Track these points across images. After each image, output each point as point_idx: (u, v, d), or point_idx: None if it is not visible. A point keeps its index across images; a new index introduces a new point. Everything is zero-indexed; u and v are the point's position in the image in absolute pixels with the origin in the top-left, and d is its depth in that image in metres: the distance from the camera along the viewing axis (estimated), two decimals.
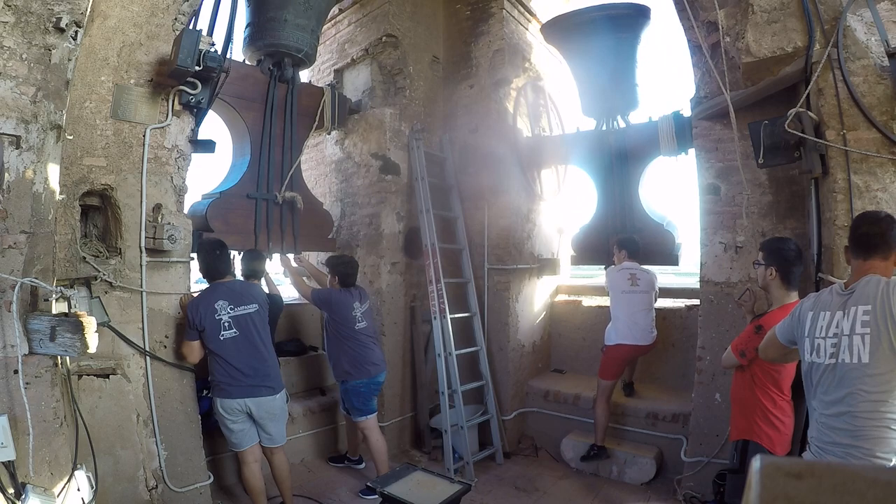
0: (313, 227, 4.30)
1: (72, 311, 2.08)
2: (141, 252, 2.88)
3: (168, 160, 3.02)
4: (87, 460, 2.36)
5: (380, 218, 4.44)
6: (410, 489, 2.67)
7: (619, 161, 4.62)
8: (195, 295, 3.06)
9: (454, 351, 4.16)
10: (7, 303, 1.98)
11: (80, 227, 2.76)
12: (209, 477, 3.09)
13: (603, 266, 4.53)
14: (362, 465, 4.06)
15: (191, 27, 3.05)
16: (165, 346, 3.00)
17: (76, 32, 2.19)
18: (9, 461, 1.90)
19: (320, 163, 5.20)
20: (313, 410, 4.20)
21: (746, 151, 3.01)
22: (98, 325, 2.11)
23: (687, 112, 3.91)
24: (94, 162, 2.72)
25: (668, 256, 4.35)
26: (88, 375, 2.60)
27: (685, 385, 4.10)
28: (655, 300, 4.13)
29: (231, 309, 2.98)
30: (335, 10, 4.72)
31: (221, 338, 2.93)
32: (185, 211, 3.21)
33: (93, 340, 2.00)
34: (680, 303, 4.64)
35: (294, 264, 4.07)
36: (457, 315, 4.38)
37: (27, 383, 2.00)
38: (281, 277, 4.78)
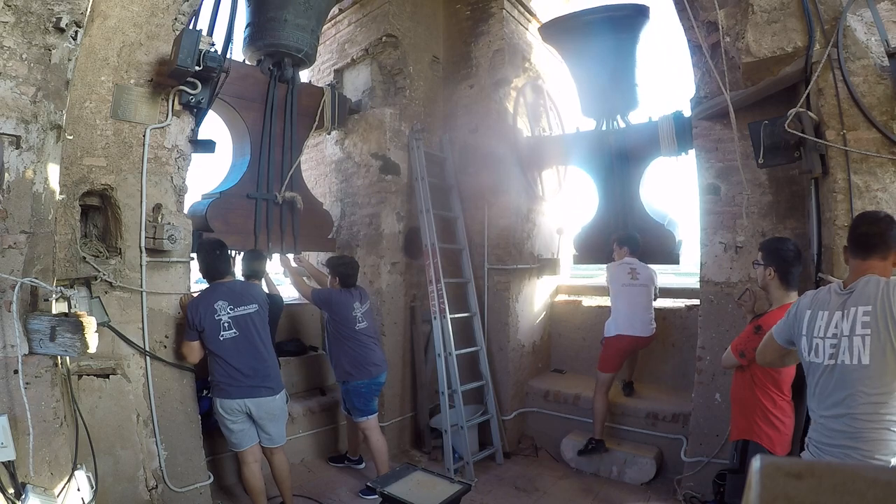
0: (313, 227, 4.30)
1: (72, 311, 2.08)
2: (141, 252, 2.88)
3: (168, 160, 3.02)
4: (87, 460, 2.36)
5: (380, 218, 4.44)
6: (410, 489, 2.67)
7: (620, 161, 4.62)
8: (195, 295, 3.06)
9: (454, 351, 4.16)
10: (7, 303, 1.98)
11: (80, 227, 2.76)
12: (209, 477, 3.09)
13: (604, 265, 4.54)
14: (362, 465, 4.07)
15: (191, 27, 3.05)
16: (165, 346, 3.00)
17: (76, 32, 2.19)
18: (9, 461, 1.90)
19: (320, 163, 5.20)
20: (313, 410, 4.20)
21: (746, 151, 3.01)
22: (98, 325, 2.11)
23: (687, 112, 3.91)
24: (94, 162, 2.72)
25: (668, 255, 4.37)
26: (88, 375, 2.60)
27: (685, 385, 4.10)
28: (656, 296, 4.17)
29: (231, 309, 2.98)
30: (335, 10, 4.72)
31: (221, 338, 2.93)
32: (185, 211, 3.21)
33: (93, 340, 2.00)
34: (680, 303, 4.64)
35: (294, 264, 4.07)
36: (457, 315, 4.38)
37: (27, 383, 2.00)
38: (281, 277, 4.78)
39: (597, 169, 4.85)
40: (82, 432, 2.35)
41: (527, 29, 5.11)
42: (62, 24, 2.12)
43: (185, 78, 2.88)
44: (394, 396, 4.43)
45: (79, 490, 2.14)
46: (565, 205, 5.63)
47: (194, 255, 3.16)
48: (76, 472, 2.16)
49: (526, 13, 5.08)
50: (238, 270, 3.74)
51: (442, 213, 4.66)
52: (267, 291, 3.64)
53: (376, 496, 2.77)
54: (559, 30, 4.76)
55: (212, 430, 3.21)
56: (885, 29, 2.49)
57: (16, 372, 1.98)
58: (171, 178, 3.03)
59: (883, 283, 1.73)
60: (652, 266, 4.20)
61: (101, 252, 2.82)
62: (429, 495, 2.62)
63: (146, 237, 2.88)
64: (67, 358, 2.29)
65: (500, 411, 4.52)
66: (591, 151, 4.78)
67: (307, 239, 4.26)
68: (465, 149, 4.90)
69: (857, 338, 1.72)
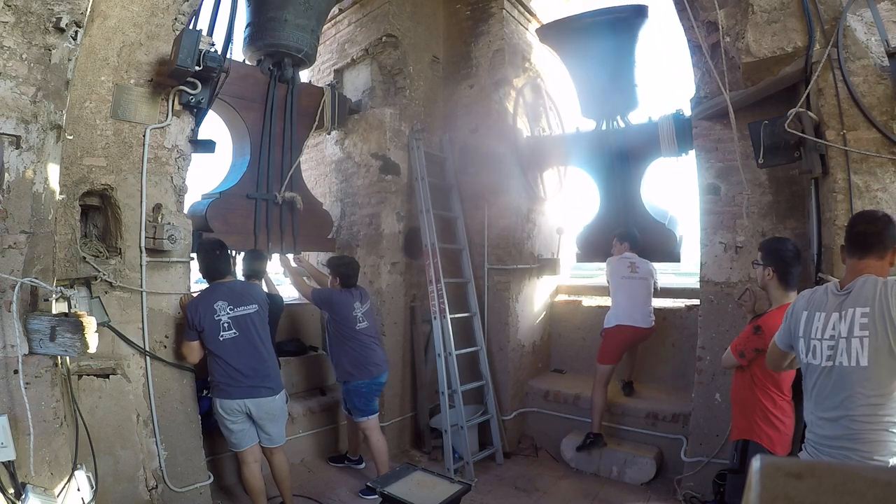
0: (313, 228, 4.30)
1: (72, 311, 2.08)
2: (141, 252, 2.88)
3: (168, 160, 3.02)
4: (87, 460, 2.36)
5: (380, 218, 4.44)
6: (410, 489, 2.67)
7: (620, 161, 4.63)
8: (195, 295, 3.06)
9: (454, 351, 4.16)
10: (7, 303, 1.98)
11: (80, 227, 2.76)
12: (209, 477, 3.09)
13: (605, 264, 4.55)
14: (362, 465, 4.06)
15: (191, 27, 3.05)
16: (165, 346, 3.00)
17: (76, 32, 2.19)
18: (9, 461, 1.90)
19: (320, 163, 5.20)
20: (313, 410, 4.20)
21: (746, 151, 3.01)
22: (98, 325, 2.11)
23: (687, 111, 3.91)
24: (94, 162, 2.72)
25: (670, 253, 4.42)
26: (88, 375, 2.60)
27: (685, 385, 4.10)
28: (656, 291, 4.21)
29: (231, 309, 2.98)
30: (335, 10, 4.72)
31: (221, 338, 2.93)
32: (185, 211, 3.21)
33: (93, 340, 2.00)
34: (680, 303, 4.64)
35: (294, 265, 4.07)
36: (457, 315, 4.38)
37: (27, 383, 2.00)
38: (281, 277, 4.78)
39: (597, 169, 4.86)
40: (82, 432, 2.35)
41: (527, 29, 5.11)
42: (62, 24, 2.12)
43: (185, 78, 2.88)
44: (394, 396, 4.43)
45: (79, 490, 2.14)
46: (565, 205, 5.63)
47: (194, 255, 3.16)
48: (76, 472, 2.16)
49: (526, 13, 5.08)
50: (238, 270, 3.74)
51: (442, 213, 4.66)
52: (267, 291, 3.63)
53: (376, 496, 2.77)
54: (557, 32, 4.75)
55: (212, 430, 3.21)
56: (885, 29, 2.49)
57: (16, 372, 1.98)
58: (171, 178, 3.03)
59: (881, 283, 1.72)
60: (653, 264, 4.24)
61: (101, 252, 2.82)
62: (429, 495, 2.62)
63: (146, 237, 2.88)
64: (67, 358, 2.29)
65: (500, 411, 4.52)
66: (592, 152, 4.78)
67: (307, 239, 4.26)
68: (465, 149, 4.90)
69: (856, 339, 1.72)
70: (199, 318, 2.89)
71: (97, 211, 2.90)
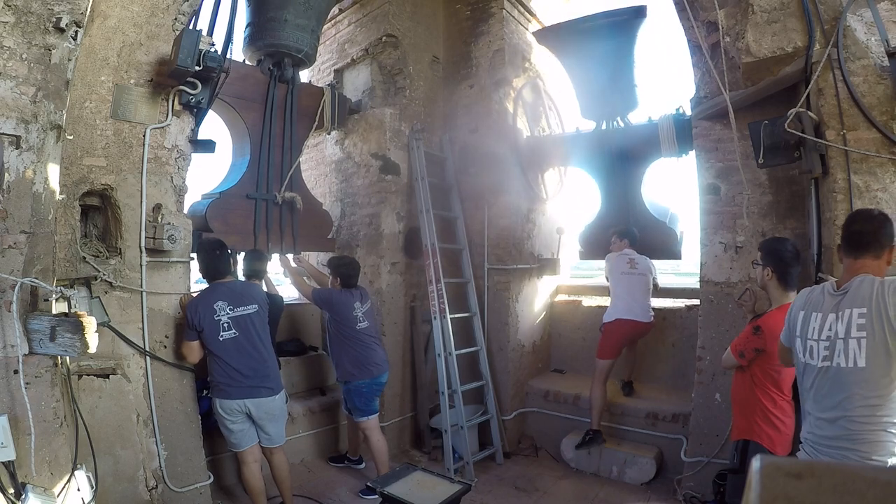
0: (313, 228, 4.30)
1: (72, 311, 2.08)
2: (141, 252, 2.88)
3: (168, 160, 3.02)
4: (87, 460, 2.36)
5: (380, 218, 4.44)
6: (410, 489, 2.67)
7: (620, 161, 4.64)
8: (195, 295, 3.06)
9: (454, 351, 4.16)
10: (7, 303, 1.98)
11: (80, 227, 2.76)
12: (209, 477, 3.09)
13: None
14: (362, 465, 4.07)
15: (191, 27, 3.05)
16: (165, 346, 3.00)
17: (76, 32, 2.19)
18: (9, 461, 1.90)
19: (320, 163, 5.20)
20: (313, 410, 4.20)
21: (746, 151, 3.01)
22: (98, 325, 2.11)
23: (688, 109, 3.92)
24: (94, 162, 2.72)
25: (671, 251, 4.46)
26: (88, 375, 2.60)
27: (685, 385, 4.10)
28: (656, 287, 4.24)
29: (230, 310, 2.98)
30: (335, 10, 4.72)
31: (221, 338, 2.93)
32: (185, 211, 3.21)
33: (93, 340, 2.00)
34: (680, 303, 4.64)
35: (293, 265, 4.07)
36: (457, 315, 4.38)
37: (27, 383, 1.99)
38: (281, 277, 4.78)
39: (598, 169, 4.87)
40: (82, 432, 2.35)
41: (527, 29, 5.11)
42: (62, 24, 2.12)
43: (185, 78, 2.88)
44: (394, 396, 4.43)
45: (79, 490, 2.14)
46: (565, 205, 5.63)
47: (194, 255, 3.16)
48: (76, 472, 2.16)
49: (526, 13, 5.08)
50: (239, 270, 3.74)
51: (442, 213, 4.66)
52: (267, 291, 3.63)
53: (376, 496, 2.77)
54: (555, 35, 4.73)
55: (212, 430, 3.21)
56: (885, 29, 2.49)
57: (16, 372, 1.98)
58: (171, 178, 3.04)
59: (877, 283, 1.71)
60: (654, 261, 4.27)
61: (101, 252, 2.82)
62: (429, 495, 2.62)
63: (146, 237, 2.88)
64: (67, 358, 2.29)
65: (500, 411, 4.52)
66: (592, 152, 4.78)
67: (307, 239, 4.26)
68: (465, 149, 4.90)
69: (853, 340, 1.71)
70: (198, 318, 2.89)
71: (97, 211, 2.90)
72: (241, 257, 3.81)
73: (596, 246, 4.83)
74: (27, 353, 2.02)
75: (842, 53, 2.54)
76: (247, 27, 3.92)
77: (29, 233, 2.09)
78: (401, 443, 4.51)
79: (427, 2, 4.94)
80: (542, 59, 5.33)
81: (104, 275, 2.72)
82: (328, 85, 4.72)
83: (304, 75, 4.75)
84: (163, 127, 2.97)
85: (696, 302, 3.66)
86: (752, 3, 2.79)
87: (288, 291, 4.82)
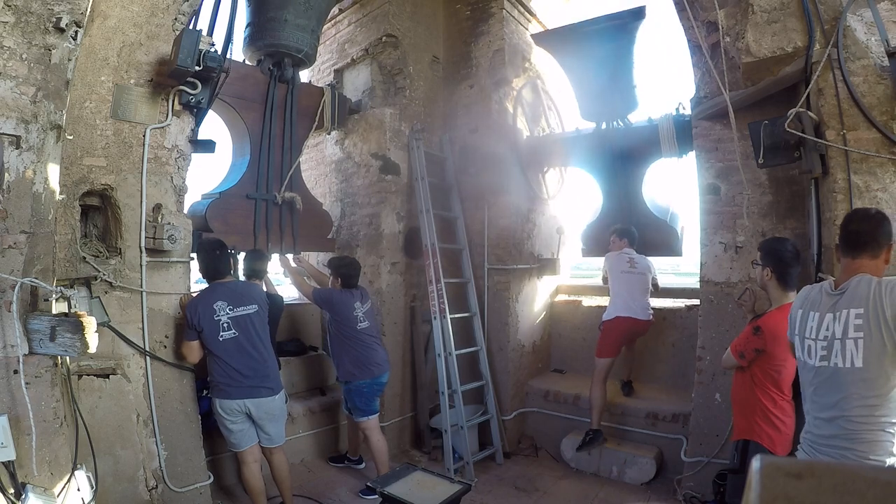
0: (313, 228, 4.30)
1: (72, 311, 2.08)
2: (141, 252, 2.88)
3: (168, 160, 3.02)
4: (87, 460, 2.36)
5: (380, 218, 4.44)
6: (410, 489, 2.67)
7: (621, 161, 4.64)
8: (195, 295, 3.06)
9: (454, 351, 4.16)
10: (7, 303, 1.98)
11: (80, 227, 2.76)
12: (209, 477, 3.10)
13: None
14: (362, 465, 4.07)
15: (191, 27, 3.05)
16: (165, 346, 3.00)
17: (76, 32, 2.19)
18: (9, 461, 1.90)
19: (320, 163, 5.20)
20: (313, 410, 4.20)
21: (746, 151, 3.01)
22: (98, 325, 2.11)
23: (687, 108, 3.92)
24: (94, 162, 2.72)
25: (672, 248, 4.50)
26: (88, 375, 2.60)
27: (685, 385, 4.10)
28: (656, 287, 4.27)
29: (230, 310, 2.98)
30: (335, 10, 4.72)
31: (220, 338, 2.93)
32: (185, 211, 3.21)
33: (93, 340, 2.00)
34: (680, 303, 4.64)
35: (293, 265, 4.08)
36: (457, 315, 4.38)
37: (27, 383, 2.00)
38: (281, 277, 4.78)
39: (598, 169, 4.87)
40: (82, 432, 2.35)
41: (527, 29, 5.11)
42: (62, 24, 2.12)
43: (185, 78, 2.88)
44: (394, 396, 4.43)
45: (79, 490, 2.14)
46: (565, 205, 5.63)
47: (194, 255, 3.16)
48: (76, 472, 2.16)
49: (526, 13, 5.08)
50: (239, 270, 3.74)
51: (442, 213, 4.66)
52: (267, 291, 3.63)
53: (376, 496, 2.77)
54: (553, 39, 4.71)
55: (212, 430, 3.21)
56: (885, 29, 2.49)
57: (16, 372, 1.98)
58: (171, 178, 3.04)
59: (874, 283, 1.71)
60: (656, 258, 4.32)
61: (101, 252, 2.82)
62: (429, 495, 2.62)
63: (146, 237, 2.88)
64: (67, 358, 2.29)
65: (500, 411, 4.52)
66: (592, 152, 4.78)
67: (306, 239, 4.26)
68: (465, 149, 4.90)
69: (850, 341, 1.71)
70: (198, 318, 2.89)
71: (97, 211, 2.90)
72: (241, 257, 3.81)
73: (598, 244, 4.84)
74: (27, 353, 2.02)
75: (842, 53, 2.53)
76: (247, 27, 3.92)
77: (29, 233, 2.09)
78: (401, 443, 4.51)
79: (427, 2, 4.94)
80: (542, 59, 5.32)
81: (104, 275, 2.72)
82: (328, 85, 4.72)
83: (304, 75, 4.75)
84: (163, 127, 2.97)
85: (696, 302, 3.66)
86: (752, 3, 2.79)
87: (288, 291, 4.82)
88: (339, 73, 4.98)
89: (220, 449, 3.48)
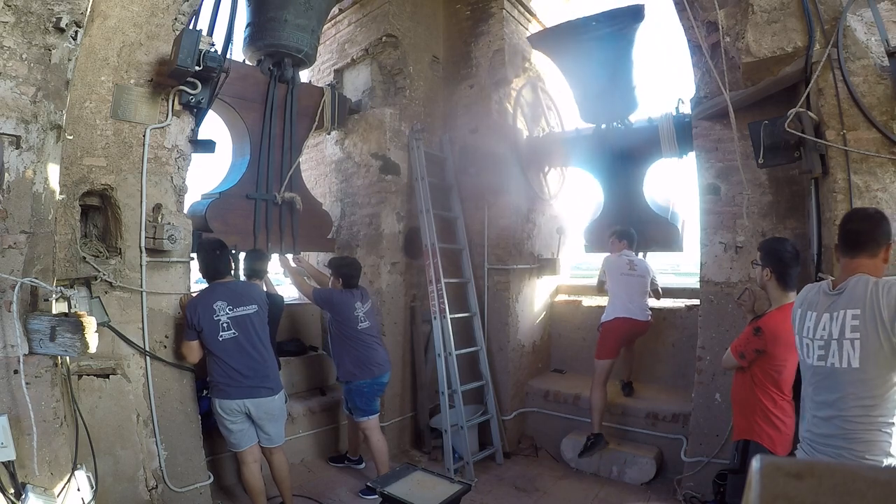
0: (312, 228, 4.30)
1: (72, 311, 2.08)
2: (141, 252, 2.88)
3: (168, 160, 3.02)
4: (87, 460, 2.36)
5: (380, 218, 4.44)
6: (410, 489, 2.67)
7: (622, 161, 4.65)
8: (194, 295, 3.06)
9: (454, 351, 4.16)
10: (7, 303, 1.98)
11: (80, 227, 2.76)
12: (209, 477, 3.10)
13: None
14: (362, 465, 4.06)
15: (191, 27, 3.05)
16: (165, 346, 3.00)
17: (76, 32, 2.19)
18: (9, 461, 1.90)
19: (320, 163, 5.20)
20: (313, 410, 4.20)
21: (746, 151, 3.01)
22: (98, 325, 2.11)
23: (687, 105, 3.92)
24: (94, 162, 2.72)
25: (673, 243, 4.56)
26: (88, 375, 2.60)
27: (685, 385, 4.10)
28: (657, 291, 4.28)
29: (230, 310, 2.98)
30: (335, 10, 4.72)
31: (220, 339, 2.92)
32: (185, 211, 3.21)
33: (93, 340, 2.00)
34: (680, 303, 4.64)
35: (293, 265, 4.07)
36: (457, 315, 4.38)
37: (27, 383, 2.00)
38: (281, 277, 4.78)
39: (599, 169, 4.88)
40: (82, 432, 2.35)
41: (527, 29, 5.11)
42: (62, 24, 2.12)
43: (185, 78, 2.88)
44: (394, 396, 4.43)
45: (79, 490, 2.14)
46: (565, 204, 5.64)
47: (194, 255, 3.16)
48: (76, 472, 2.16)
49: (526, 13, 5.08)
50: (239, 270, 3.74)
51: (442, 213, 4.66)
52: (267, 291, 3.63)
53: (376, 496, 2.77)
54: (550, 41, 4.65)
55: (212, 430, 3.21)
56: (885, 29, 2.49)
57: (16, 372, 1.98)
58: (171, 178, 3.04)
59: (872, 283, 1.71)
60: (657, 257, 4.39)
61: (101, 252, 2.82)
62: (429, 495, 2.62)
63: (146, 237, 2.88)
64: (67, 358, 2.29)
65: (500, 411, 4.52)
66: (593, 152, 4.78)
67: (306, 239, 4.26)
68: (465, 149, 4.90)
69: (847, 341, 1.71)
70: (197, 318, 2.89)
71: (97, 211, 2.90)
72: (241, 257, 3.81)
73: (600, 240, 4.87)
74: (27, 353, 2.02)
75: (842, 53, 2.53)
76: (247, 27, 3.92)
77: (29, 233, 2.09)
78: (401, 443, 4.51)
79: (427, 2, 4.94)
80: (542, 58, 5.31)
81: (104, 275, 2.72)
82: (328, 85, 4.72)
83: (304, 75, 4.75)
84: (163, 127, 2.97)
85: (696, 302, 3.66)
86: (752, 3, 2.79)
87: (288, 291, 4.82)
88: (339, 73, 4.98)
89: (220, 449, 3.48)
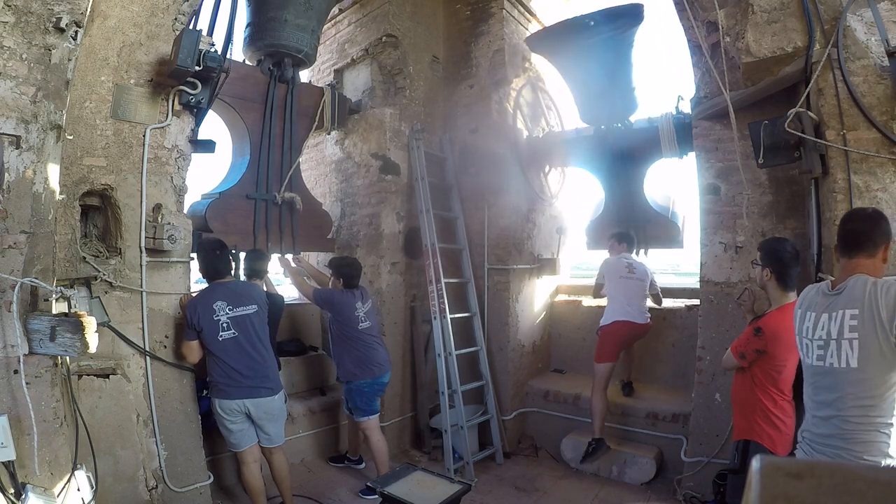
0: (312, 228, 4.30)
1: (72, 311, 2.08)
2: (141, 252, 2.88)
3: (168, 160, 3.02)
4: (87, 460, 2.36)
5: (380, 218, 4.44)
6: (410, 489, 2.67)
7: (622, 161, 4.66)
8: (194, 295, 3.05)
9: (454, 351, 4.16)
10: (7, 303, 1.98)
11: (80, 227, 2.76)
12: (209, 477, 3.10)
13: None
14: (362, 465, 4.06)
15: (191, 27, 3.05)
16: (165, 346, 3.00)
17: (76, 32, 2.19)
18: (9, 461, 1.90)
19: (320, 163, 5.20)
20: (314, 410, 4.20)
21: (746, 151, 3.01)
22: (98, 325, 2.11)
23: (687, 102, 3.92)
24: (94, 162, 2.72)
25: (673, 240, 4.60)
26: (88, 375, 2.60)
27: (685, 385, 4.10)
28: (657, 293, 4.27)
29: (229, 310, 2.98)
30: (335, 10, 4.72)
31: (220, 338, 2.92)
32: (185, 211, 3.21)
33: (93, 340, 2.00)
34: (680, 303, 4.64)
35: (293, 265, 4.07)
36: (457, 315, 4.38)
37: (27, 383, 2.00)
38: (280, 277, 4.77)
39: (599, 169, 4.90)
40: (82, 432, 2.35)
41: (527, 29, 5.11)
42: (62, 24, 2.12)
43: (185, 78, 2.88)
44: (394, 396, 4.43)
45: (79, 490, 2.14)
46: (565, 204, 5.64)
47: (194, 255, 3.16)
48: (76, 472, 2.16)
49: (526, 13, 5.08)
50: (240, 270, 3.74)
51: (442, 213, 4.66)
52: (267, 291, 3.63)
53: (376, 496, 2.77)
54: (549, 42, 4.63)
55: (212, 430, 3.21)
56: (885, 29, 2.49)
57: (16, 372, 1.98)
58: (171, 178, 3.03)
59: (870, 283, 1.71)
60: (657, 256, 4.42)
61: (101, 252, 2.82)
62: (429, 495, 2.62)
63: (146, 237, 2.88)
64: (67, 358, 2.29)
65: (500, 411, 4.52)
66: (593, 152, 4.79)
67: (306, 239, 4.26)
68: (465, 149, 4.90)
69: (846, 341, 1.71)
70: (197, 318, 2.89)
71: (97, 211, 2.90)
72: (241, 257, 3.81)
73: (601, 238, 4.90)
74: (27, 353, 2.02)
75: (842, 53, 2.53)
76: (247, 27, 3.92)
77: (29, 233, 2.09)
78: (401, 443, 4.51)
79: (427, 2, 4.93)
80: (542, 59, 5.32)
81: (104, 275, 2.72)
82: (328, 85, 4.72)
83: (304, 75, 4.75)
84: (163, 127, 2.97)
85: (696, 302, 3.66)
86: (752, 3, 2.79)
87: (288, 291, 4.82)
88: (339, 73, 4.98)
89: (220, 449, 3.48)
